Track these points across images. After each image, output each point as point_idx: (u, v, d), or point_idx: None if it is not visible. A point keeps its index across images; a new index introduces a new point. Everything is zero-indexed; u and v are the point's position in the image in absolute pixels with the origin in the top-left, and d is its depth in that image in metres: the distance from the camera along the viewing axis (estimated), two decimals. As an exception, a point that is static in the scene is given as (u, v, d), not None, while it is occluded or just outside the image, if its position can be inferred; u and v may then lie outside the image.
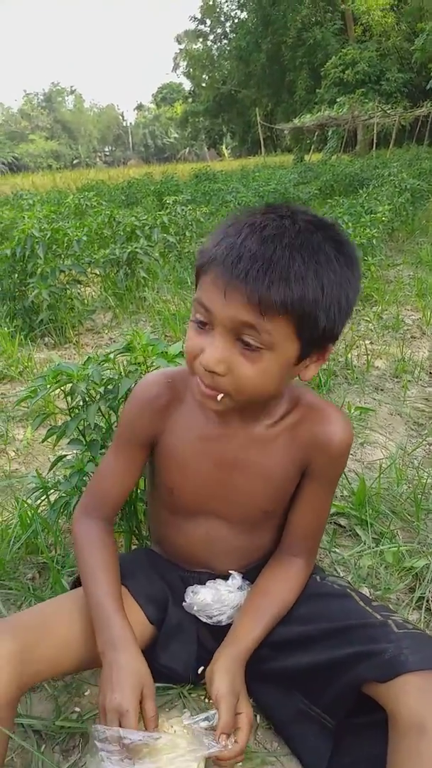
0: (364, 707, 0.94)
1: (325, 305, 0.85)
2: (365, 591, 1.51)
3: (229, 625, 1.12)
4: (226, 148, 49.84)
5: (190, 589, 1.18)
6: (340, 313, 0.88)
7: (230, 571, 1.18)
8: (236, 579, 1.17)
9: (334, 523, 1.80)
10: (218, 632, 1.13)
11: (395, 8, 28.42)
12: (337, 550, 1.68)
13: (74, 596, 1.12)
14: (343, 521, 1.80)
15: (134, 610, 1.13)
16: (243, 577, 1.18)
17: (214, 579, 1.18)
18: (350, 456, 2.16)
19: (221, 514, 1.13)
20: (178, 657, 1.14)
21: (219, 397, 0.92)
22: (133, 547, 1.57)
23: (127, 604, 1.09)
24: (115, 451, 1.16)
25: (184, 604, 1.16)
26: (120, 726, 0.92)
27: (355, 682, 0.93)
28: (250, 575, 1.18)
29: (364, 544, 1.68)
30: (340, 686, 0.97)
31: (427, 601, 1.47)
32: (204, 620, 1.15)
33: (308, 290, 0.83)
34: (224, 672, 1.01)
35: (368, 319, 3.77)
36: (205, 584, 1.18)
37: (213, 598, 1.14)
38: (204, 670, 1.08)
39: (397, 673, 0.87)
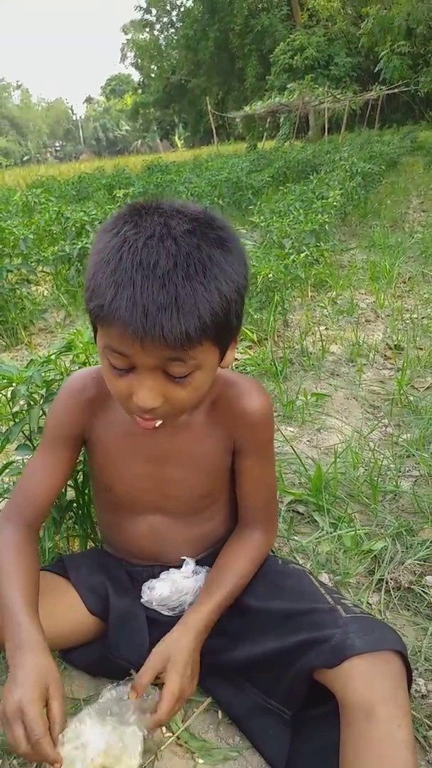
0: (321, 696, 0.94)
1: (232, 310, 0.87)
2: (324, 577, 1.51)
3: None
4: (179, 138, 49.48)
5: (146, 585, 1.16)
6: (242, 306, 0.90)
7: (182, 558, 1.17)
8: (189, 564, 1.17)
9: (292, 510, 1.80)
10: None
11: (340, -8, 28.56)
12: (295, 537, 1.67)
13: None
14: (300, 508, 1.80)
15: (76, 602, 1.14)
16: (197, 563, 1.18)
17: (167, 569, 1.17)
18: (307, 443, 2.17)
19: (161, 507, 1.14)
20: (130, 646, 1.12)
21: (157, 423, 0.93)
22: (89, 548, 1.54)
23: (69, 597, 1.12)
24: (42, 450, 1.14)
25: (142, 600, 1.16)
26: (23, 727, 0.85)
27: (305, 670, 0.94)
28: (207, 562, 1.18)
29: (323, 530, 1.68)
30: (292, 676, 0.97)
31: (386, 582, 1.48)
32: (166, 614, 1.14)
33: (217, 309, 0.82)
34: (163, 641, 1.03)
35: (323, 305, 3.78)
36: (158, 577, 1.17)
37: (170, 590, 1.13)
38: None
39: (343, 657, 0.88)
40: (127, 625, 1.14)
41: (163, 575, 1.16)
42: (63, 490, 1.42)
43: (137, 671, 1.03)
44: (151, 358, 0.84)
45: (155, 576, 1.18)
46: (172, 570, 1.17)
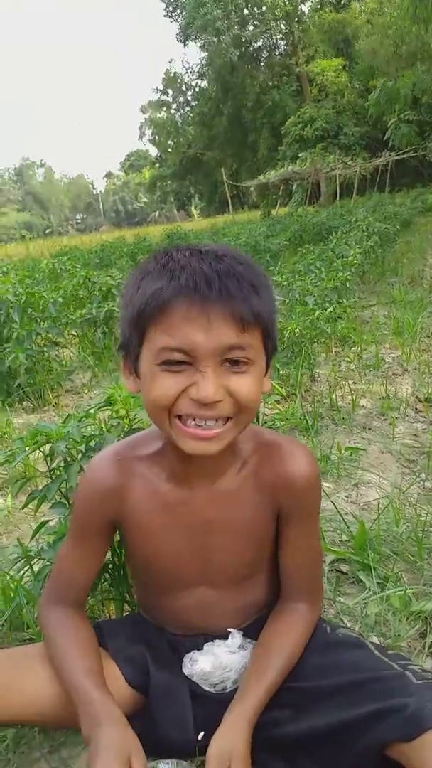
0: None
1: (274, 314, 0.91)
2: (375, 640, 1.42)
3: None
4: (195, 208, 51.27)
5: (187, 657, 1.09)
6: (276, 324, 0.93)
7: (229, 630, 1.10)
8: (236, 638, 1.09)
9: (336, 570, 1.72)
10: (226, 696, 1.04)
11: (347, 68, 30.04)
12: (341, 599, 1.59)
13: (38, 647, 1.07)
14: (344, 567, 1.72)
15: (112, 672, 1.06)
16: (243, 635, 1.10)
17: (212, 640, 1.10)
18: (345, 498, 2.10)
19: (205, 579, 1.07)
20: (172, 722, 1.04)
21: (216, 431, 0.88)
22: (126, 613, 1.47)
23: (107, 668, 1.04)
24: (72, 539, 1.09)
25: (184, 671, 1.08)
26: None
27: (375, 744, 0.85)
28: (252, 631, 1.10)
29: (369, 590, 1.60)
30: (360, 751, 0.88)
31: (441, 646, 1.38)
32: (208, 689, 1.06)
33: (267, 298, 0.88)
34: (219, 735, 0.95)
35: (349, 359, 3.76)
36: (202, 648, 1.09)
37: (212, 665, 1.06)
38: (204, 736, 1.00)
39: (421, 729, 0.80)
40: (170, 700, 1.06)
41: (206, 647, 1.09)
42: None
43: (180, 748, 0.99)
44: (215, 344, 0.82)
45: (199, 647, 1.10)
46: (216, 642, 1.09)
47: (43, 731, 1.24)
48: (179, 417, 0.87)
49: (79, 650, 1.01)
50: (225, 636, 1.10)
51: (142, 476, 1.03)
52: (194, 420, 0.86)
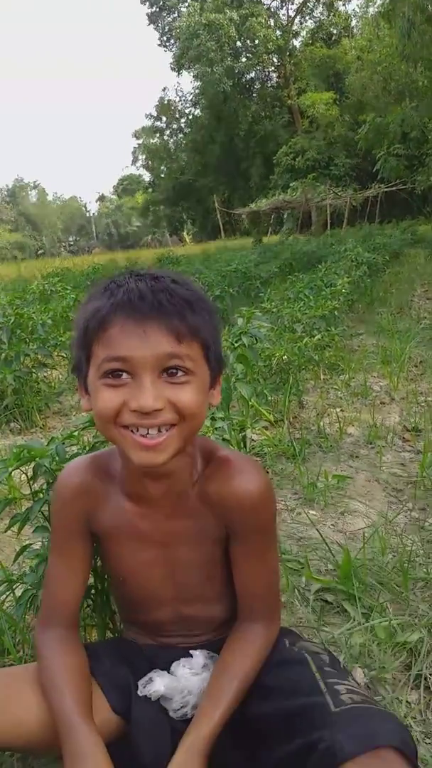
0: None
1: (214, 331, 0.94)
2: (358, 672, 1.41)
3: None
4: (187, 234, 51.74)
5: (144, 678, 1.07)
6: (220, 350, 0.97)
7: (191, 652, 1.09)
8: (198, 658, 1.08)
9: (321, 599, 1.71)
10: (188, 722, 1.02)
11: (338, 102, 30.74)
12: (326, 628, 1.58)
13: (27, 669, 1.05)
14: (329, 597, 1.71)
15: (98, 697, 1.05)
16: (209, 656, 1.09)
17: (179, 658, 1.09)
18: (331, 527, 2.10)
19: (174, 593, 1.08)
20: (151, 750, 1.02)
21: (162, 438, 0.88)
22: (108, 638, 1.45)
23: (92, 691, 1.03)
24: (55, 553, 1.09)
25: (139, 693, 1.06)
26: None
27: None
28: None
29: (354, 620, 1.59)
30: None
31: (425, 678, 1.37)
32: (171, 715, 1.05)
33: (205, 315, 0.91)
34: (174, 763, 0.93)
35: (336, 387, 3.79)
36: (170, 664, 1.08)
37: (167, 687, 1.04)
38: None
39: (333, 766, 0.77)
40: (149, 729, 1.04)
41: (173, 666, 1.08)
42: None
43: None
44: (151, 354, 0.85)
45: (176, 657, 1.09)
46: (182, 662, 1.08)
47: (21, 759, 1.21)
48: (125, 427, 0.89)
49: (72, 679, 0.99)
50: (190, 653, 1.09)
51: (113, 485, 1.05)
52: (138, 430, 0.88)
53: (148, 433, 0.88)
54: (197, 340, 0.90)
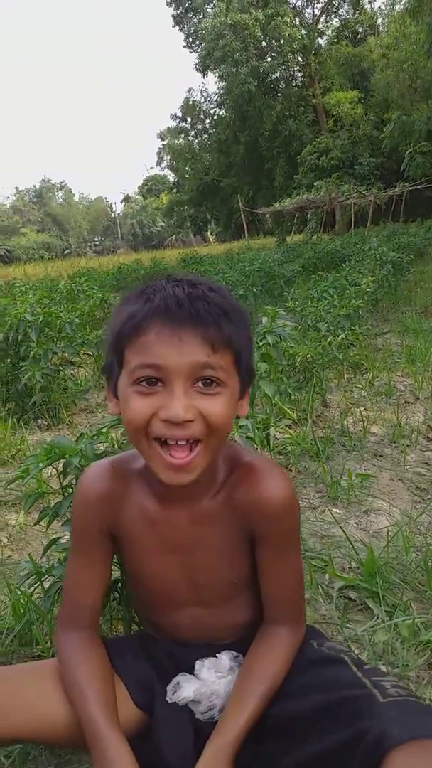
0: None
1: (247, 341, 0.95)
2: (382, 669, 1.42)
3: None
4: (211, 233, 51.78)
5: (172, 682, 1.08)
6: (251, 360, 0.97)
7: (217, 655, 1.09)
8: (224, 661, 1.08)
9: (345, 597, 1.71)
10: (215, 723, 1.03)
11: (363, 100, 30.48)
12: (349, 625, 1.59)
13: (49, 664, 1.07)
14: (353, 594, 1.72)
15: (120, 692, 1.06)
16: (234, 656, 1.10)
17: (205, 656, 1.10)
18: (355, 525, 2.10)
19: (194, 597, 1.07)
20: (173, 746, 1.04)
21: (191, 456, 0.88)
22: (134, 631, 1.48)
23: (117, 689, 1.04)
24: (75, 555, 1.09)
25: (167, 699, 1.06)
26: None
27: None
28: (247, 646, 1.10)
29: (377, 618, 1.60)
30: None
31: (450, 677, 1.38)
32: (198, 717, 1.06)
33: (239, 325, 0.91)
34: (199, 766, 0.94)
35: (360, 386, 3.77)
36: (194, 666, 1.09)
37: (196, 692, 1.04)
38: None
39: (383, 752, 0.78)
40: (171, 726, 1.06)
41: (197, 666, 1.08)
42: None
43: None
44: (186, 363, 0.85)
45: (200, 655, 1.10)
46: (206, 663, 1.09)
47: (49, 748, 1.24)
48: (155, 440, 0.89)
49: (95, 682, 1.00)
50: (216, 654, 1.09)
51: (134, 489, 1.05)
52: (167, 444, 0.88)
53: (177, 443, 0.88)
54: (230, 350, 0.89)
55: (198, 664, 1.08)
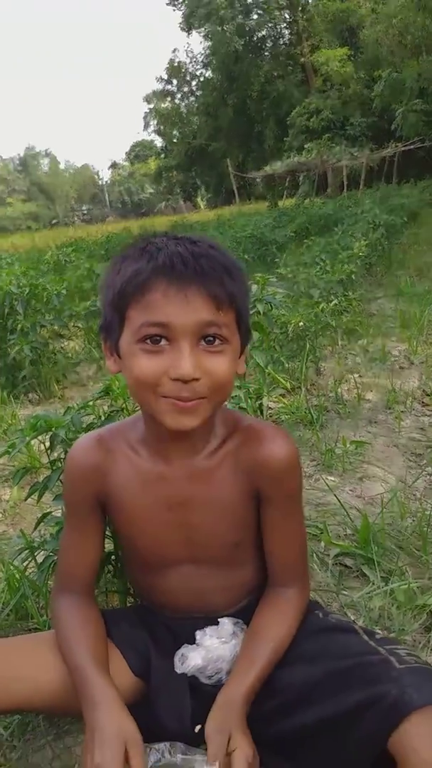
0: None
1: (246, 299, 0.96)
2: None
3: None
4: (201, 199, 51.04)
5: (178, 655, 1.08)
6: (249, 321, 0.98)
7: (219, 620, 1.09)
8: (226, 626, 1.08)
9: (340, 564, 1.72)
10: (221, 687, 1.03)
11: (352, 58, 29.75)
12: (345, 592, 1.59)
13: (44, 636, 1.09)
14: (348, 561, 1.72)
15: (117, 660, 1.07)
16: (235, 622, 1.09)
17: (204, 627, 1.09)
18: (350, 492, 2.10)
19: (191, 557, 1.07)
20: (170, 712, 1.05)
21: (193, 402, 0.89)
22: (129, 604, 1.47)
23: (111, 656, 1.05)
24: (69, 525, 1.11)
25: (176, 671, 1.07)
26: None
27: (367, 737, 0.84)
28: (244, 614, 1.10)
29: (373, 584, 1.60)
30: (356, 743, 0.87)
31: (446, 641, 1.38)
32: (204, 681, 1.06)
33: (240, 283, 0.92)
34: (213, 713, 0.95)
35: (354, 352, 3.75)
36: (194, 635, 1.09)
37: (204, 659, 1.05)
38: (201, 729, 0.99)
39: (402, 716, 0.79)
40: (169, 691, 1.07)
41: (198, 636, 1.08)
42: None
43: (177, 739, 0.99)
44: (192, 321, 0.86)
45: (198, 627, 1.10)
46: (208, 631, 1.09)
47: (47, 719, 1.25)
48: (163, 396, 0.90)
49: (85, 635, 1.02)
50: (217, 622, 1.09)
51: (124, 454, 1.05)
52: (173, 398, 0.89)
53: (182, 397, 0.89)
54: (233, 307, 0.91)
55: (199, 633, 1.08)
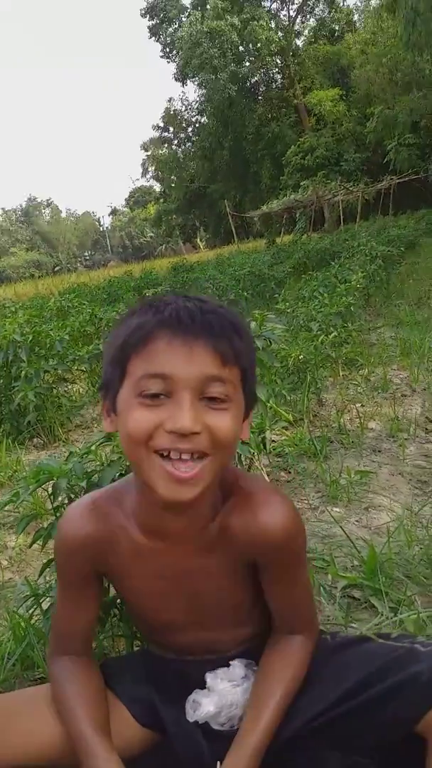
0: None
1: (253, 360, 0.92)
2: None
3: None
4: (201, 240, 51.89)
5: (189, 701, 1.05)
6: (255, 373, 0.93)
7: (230, 662, 1.07)
8: (237, 669, 1.06)
9: (348, 596, 1.69)
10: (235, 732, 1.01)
11: (344, 97, 30.59)
12: (354, 624, 1.57)
13: (46, 689, 1.07)
14: (356, 593, 1.70)
15: (122, 714, 1.06)
16: (246, 663, 1.07)
17: (214, 668, 1.07)
18: (356, 523, 2.08)
19: (196, 621, 1.05)
20: (188, 757, 1.03)
21: (195, 470, 0.83)
22: (137, 648, 1.46)
23: (115, 710, 1.04)
24: (61, 592, 1.07)
25: (188, 718, 1.04)
26: None
27: (395, 719, 0.87)
28: (256, 652, 1.08)
29: (382, 615, 1.57)
30: (382, 727, 0.90)
31: (458, 671, 1.35)
32: (217, 728, 1.03)
33: (248, 341, 0.90)
34: None
35: (356, 382, 3.76)
36: (204, 678, 1.06)
37: (216, 706, 1.02)
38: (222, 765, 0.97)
39: None
40: (183, 737, 1.04)
41: (209, 679, 1.05)
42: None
43: None
44: (195, 375, 0.82)
45: (208, 668, 1.07)
46: (219, 674, 1.06)
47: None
48: (156, 453, 0.84)
49: (85, 701, 1.00)
50: (228, 663, 1.07)
51: (119, 523, 1.00)
52: (170, 456, 0.83)
53: (180, 457, 0.83)
54: (238, 366, 0.87)
55: (209, 676, 1.06)
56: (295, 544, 1.00)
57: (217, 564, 1.00)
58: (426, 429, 2.91)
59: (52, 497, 1.42)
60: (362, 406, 3.32)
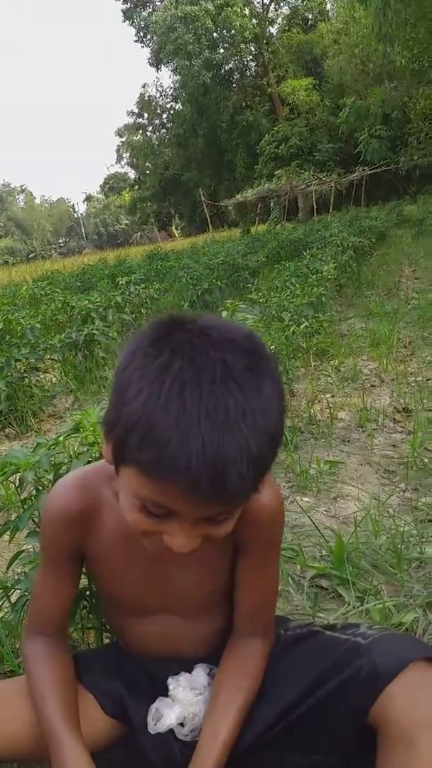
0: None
1: (277, 448, 0.77)
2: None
3: None
4: (176, 228, 51.61)
5: (151, 711, 1.05)
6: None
7: (194, 667, 1.08)
8: (201, 677, 1.06)
9: (316, 585, 1.72)
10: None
11: (317, 87, 30.61)
12: (321, 614, 1.60)
13: (18, 682, 1.07)
14: (324, 583, 1.73)
15: (91, 706, 1.07)
16: (209, 670, 1.08)
17: (177, 672, 1.08)
18: (324, 513, 2.11)
19: (169, 608, 1.06)
20: (157, 753, 1.04)
21: (191, 548, 0.82)
22: (106, 641, 1.46)
23: (84, 700, 1.05)
24: (43, 569, 1.07)
25: (150, 730, 1.04)
26: None
27: (345, 716, 0.89)
28: (219, 658, 1.08)
29: (349, 604, 1.61)
30: (335, 725, 0.92)
31: (421, 657, 1.39)
32: (181, 738, 1.03)
33: (270, 453, 0.74)
34: None
35: (327, 373, 3.79)
36: (167, 685, 1.06)
37: (179, 718, 1.02)
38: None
39: (379, 688, 0.83)
40: (150, 739, 1.04)
41: (171, 686, 1.05)
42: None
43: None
44: (202, 515, 0.77)
45: (172, 672, 1.08)
46: (181, 681, 1.06)
47: (20, 766, 1.23)
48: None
49: (56, 687, 1.00)
50: (190, 668, 1.08)
51: (107, 501, 1.01)
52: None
53: None
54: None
55: (172, 682, 1.06)
56: (277, 526, 1.03)
57: (202, 545, 0.98)
58: (394, 419, 2.95)
59: (19, 489, 1.41)
60: (332, 396, 3.35)
